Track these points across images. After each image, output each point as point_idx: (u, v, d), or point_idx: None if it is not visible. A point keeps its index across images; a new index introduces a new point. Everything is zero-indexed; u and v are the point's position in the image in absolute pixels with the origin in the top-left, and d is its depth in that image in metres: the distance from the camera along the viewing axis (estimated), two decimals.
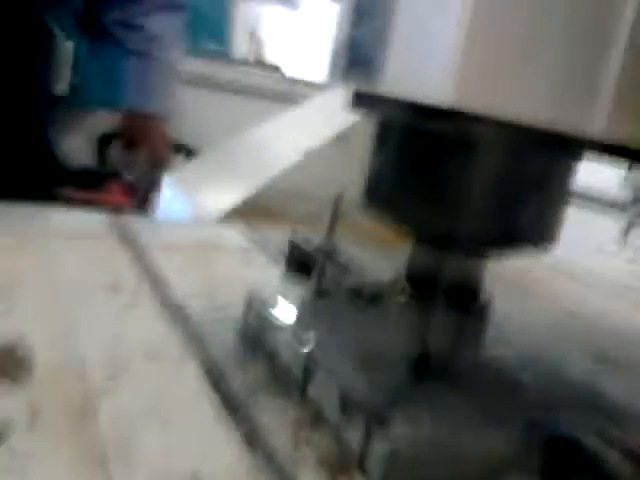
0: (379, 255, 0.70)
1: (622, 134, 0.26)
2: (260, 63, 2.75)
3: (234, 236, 0.67)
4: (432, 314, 0.32)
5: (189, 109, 2.39)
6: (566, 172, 0.30)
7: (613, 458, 0.28)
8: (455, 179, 0.28)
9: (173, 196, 0.95)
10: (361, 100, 0.30)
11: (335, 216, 0.49)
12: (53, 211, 0.63)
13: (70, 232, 0.57)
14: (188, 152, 2.08)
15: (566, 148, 0.28)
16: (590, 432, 0.30)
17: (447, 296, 0.31)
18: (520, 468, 0.29)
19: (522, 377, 0.36)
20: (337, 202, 0.49)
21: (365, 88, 0.30)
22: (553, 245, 0.31)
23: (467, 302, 0.32)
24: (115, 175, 1.12)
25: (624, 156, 0.35)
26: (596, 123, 0.25)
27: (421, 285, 0.32)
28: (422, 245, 0.32)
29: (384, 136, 0.31)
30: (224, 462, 0.27)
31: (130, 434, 0.28)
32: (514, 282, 0.71)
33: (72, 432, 0.27)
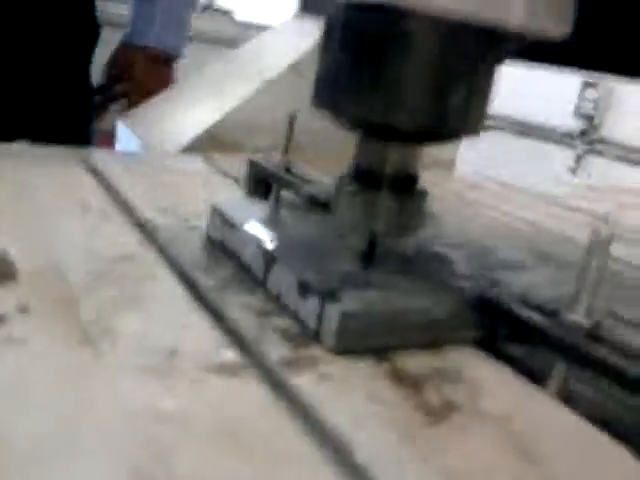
0: (329, 173, 0.74)
1: (538, 25, 0.30)
2: (210, 8, 2.71)
3: (194, 164, 0.70)
4: (378, 201, 0.36)
5: None
6: (489, 67, 0.34)
7: (529, 313, 0.32)
8: (391, 72, 0.31)
9: (130, 133, 0.97)
10: (309, 3, 0.33)
11: (290, 134, 0.53)
12: (20, 145, 0.65)
13: (38, 163, 0.59)
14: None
15: (489, 40, 0.32)
16: (514, 298, 0.34)
17: (390, 184, 0.35)
18: (456, 327, 0.34)
19: (458, 261, 0.40)
20: (291, 121, 0.53)
21: None
22: (476, 137, 0.35)
23: (407, 188, 0.36)
24: None
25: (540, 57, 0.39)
26: (514, 14, 0.29)
27: (366, 178, 0.36)
28: (365, 140, 0.36)
29: (328, 38, 0.34)
30: (198, 342, 0.31)
31: (112, 320, 0.31)
32: (455, 200, 0.76)
33: (60, 320, 0.31)
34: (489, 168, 1.01)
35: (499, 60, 0.35)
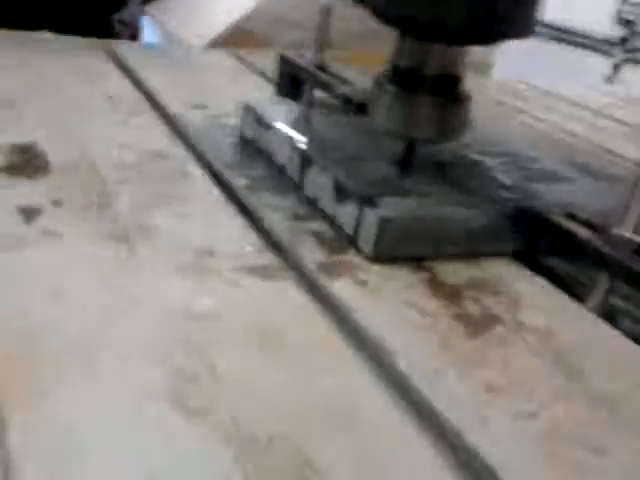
0: (365, 74, 0.71)
1: None
2: None
3: (221, 59, 0.67)
4: (417, 105, 0.34)
5: None
6: None
7: (572, 225, 0.31)
8: None
9: (154, 29, 0.94)
10: None
11: (325, 28, 0.50)
12: (46, 35, 0.63)
13: (66, 55, 0.58)
14: None
15: None
16: (557, 210, 0.33)
17: (429, 85, 0.34)
18: (495, 238, 0.33)
19: (498, 170, 0.39)
20: (325, 14, 0.50)
21: None
22: (527, 36, 0.32)
23: (449, 91, 0.34)
24: None
25: None
26: None
27: (407, 77, 0.34)
28: (406, 37, 0.34)
29: None
30: (233, 242, 0.30)
31: (146, 216, 0.31)
32: (495, 107, 0.73)
33: (94, 215, 0.30)
34: (526, 74, 0.97)
35: None
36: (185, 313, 0.24)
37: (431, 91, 0.34)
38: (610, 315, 0.30)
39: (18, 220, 0.28)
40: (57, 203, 0.30)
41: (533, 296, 0.30)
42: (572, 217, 0.32)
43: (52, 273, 0.25)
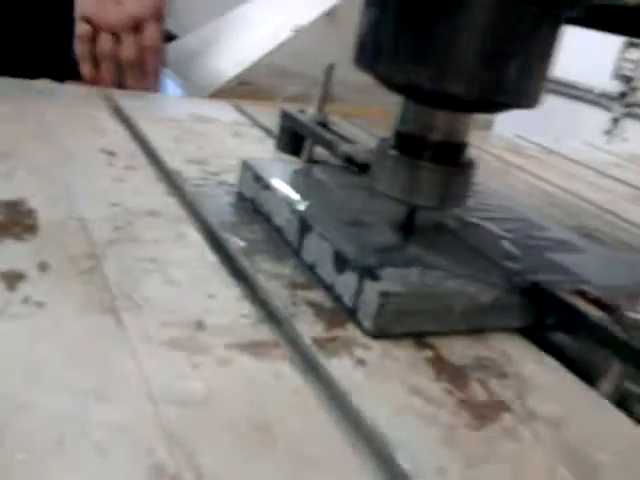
0: (367, 130, 0.71)
1: None
2: None
3: (223, 111, 0.67)
4: (419, 170, 0.33)
5: None
6: (551, 32, 0.30)
7: (583, 304, 0.30)
8: (444, 35, 0.28)
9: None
10: None
11: (327, 86, 0.50)
12: (44, 84, 0.62)
13: (66, 105, 0.57)
14: (168, 37, 2.02)
15: (552, 1, 0.29)
16: (565, 286, 0.32)
17: (434, 152, 0.33)
18: (501, 313, 0.31)
19: (503, 237, 0.38)
20: (329, 72, 0.49)
21: None
22: (535, 106, 0.31)
23: (453, 158, 0.33)
24: None
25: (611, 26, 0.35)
26: None
27: (410, 143, 0.33)
28: (411, 103, 0.33)
29: None
30: (226, 314, 0.28)
31: (135, 284, 0.29)
32: (497, 164, 0.72)
33: (80, 281, 0.29)
34: (527, 126, 0.97)
35: (560, 26, 0.31)
36: (171, 398, 0.22)
37: (435, 158, 0.33)
38: (623, 400, 0.28)
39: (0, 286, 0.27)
40: (43, 267, 0.29)
41: (542, 379, 0.28)
42: (582, 294, 0.31)
43: (30, 349, 0.23)
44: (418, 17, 0.29)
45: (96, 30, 0.76)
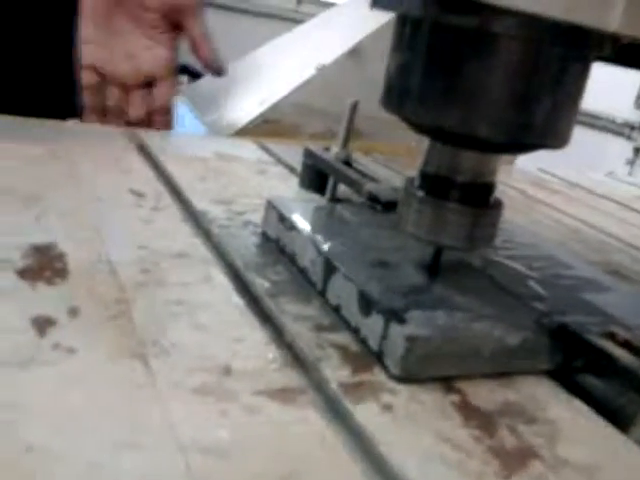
0: (391, 167, 0.71)
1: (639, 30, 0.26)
2: None
3: (248, 150, 0.68)
4: (446, 211, 0.33)
5: None
6: (580, 72, 0.30)
7: (612, 347, 0.29)
8: (472, 76, 0.29)
9: (184, 114, 0.96)
10: None
11: (351, 124, 0.50)
12: (74, 125, 0.64)
13: (95, 146, 0.58)
14: (193, 75, 2.05)
15: (581, 43, 0.29)
16: (593, 327, 0.31)
17: (461, 193, 0.33)
18: (530, 356, 0.31)
19: (530, 276, 0.37)
20: (352, 110, 0.50)
21: None
22: (564, 147, 0.32)
23: (480, 199, 0.33)
24: None
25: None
26: (613, 15, 0.26)
27: (437, 183, 0.33)
28: (437, 143, 0.33)
29: (401, 35, 0.31)
30: (253, 358, 0.29)
31: (164, 329, 0.30)
32: (522, 200, 0.72)
33: (110, 326, 0.29)
34: (548, 159, 0.97)
35: (589, 67, 0.31)
36: (198, 447, 0.22)
37: (461, 199, 0.33)
38: None
39: (30, 332, 0.27)
40: (73, 313, 0.29)
41: (572, 424, 0.28)
42: (612, 336, 0.30)
43: (59, 397, 0.24)
44: (445, 60, 0.30)
45: (104, 80, 0.72)
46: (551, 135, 0.31)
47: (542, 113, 0.30)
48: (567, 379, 0.31)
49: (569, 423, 0.28)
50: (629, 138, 2.73)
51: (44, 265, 0.33)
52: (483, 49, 0.28)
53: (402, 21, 0.31)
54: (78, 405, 0.23)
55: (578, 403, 0.30)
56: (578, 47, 0.30)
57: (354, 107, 0.51)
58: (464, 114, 0.29)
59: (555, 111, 0.30)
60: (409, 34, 0.31)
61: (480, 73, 0.29)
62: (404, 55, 0.31)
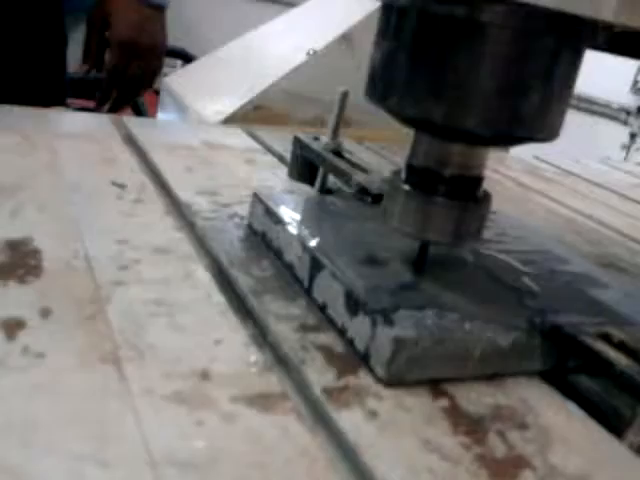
0: (382, 157, 0.70)
1: (634, 19, 0.25)
2: None
3: (236, 138, 0.66)
4: (432, 205, 0.31)
5: (186, 14, 2.31)
6: (571, 63, 0.29)
7: (607, 349, 0.28)
8: (460, 66, 0.27)
9: (172, 100, 0.94)
10: None
11: (341, 113, 0.49)
12: (56, 112, 0.62)
13: (73, 133, 0.57)
14: (186, 58, 2.02)
15: (573, 33, 0.27)
16: (587, 327, 0.30)
17: (448, 186, 0.31)
18: (521, 357, 0.30)
19: (523, 272, 0.36)
20: (343, 99, 0.48)
21: None
22: (554, 139, 0.30)
23: (468, 192, 0.32)
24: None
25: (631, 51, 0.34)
26: (607, 4, 0.24)
27: (423, 177, 0.32)
28: (424, 135, 0.32)
29: (386, 25, 0.30)
30: (233, 361, 0.27)
31: (140, 330, 0.28)
32: (516, 189, 0.71)
33: (83, 328, 0.28)
34: (543, 144, 0.95)
35: (581, 57, 0.30)
36: (171, 459, 0.21)
37: (449, 193, 0.32)
38: None
39: None
40: (45, 313, 0.28)
41: (565, 429, 0.27)
42: (606, 337, 0.29)
43: (26, 406, 0.22)
44: (433, 50, 0.28)
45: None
46: (541, 128, 0.29)
47: (532, 105, 0.28)
48: (560, 380, 0.30)
49: (562, 428, 0.27)
50: (625, 123, 2.72)
51: (17, 262, 0.32)
52: (472, 39, 0.27)
53: (388, 9, 0.30)
54: (42, 416, 0.22)
55: (571, 406, 0.28)
56: (569, 37, 0.28)
57: (344, 96, 0.49)
58: (452, 106, 0.28)
59: (545, 103, 0.29)
60: (395, 23, 0.29)
61: (468, 64, 0.27)
62: (390, 45, 0.30)
